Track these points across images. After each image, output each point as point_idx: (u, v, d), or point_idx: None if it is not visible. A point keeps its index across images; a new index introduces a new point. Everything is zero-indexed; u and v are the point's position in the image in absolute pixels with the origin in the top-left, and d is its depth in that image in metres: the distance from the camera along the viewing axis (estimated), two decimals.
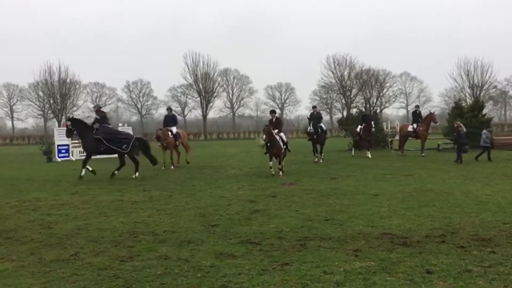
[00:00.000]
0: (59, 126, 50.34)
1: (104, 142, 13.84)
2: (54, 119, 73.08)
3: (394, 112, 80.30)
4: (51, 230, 6.71)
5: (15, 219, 7.63)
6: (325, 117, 77.76)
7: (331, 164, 16.98)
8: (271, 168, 13.64)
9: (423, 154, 20.14)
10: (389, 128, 27.07)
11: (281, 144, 13.70)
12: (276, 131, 13.82)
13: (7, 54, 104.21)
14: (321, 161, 18.07)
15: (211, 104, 75.46)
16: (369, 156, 19.65)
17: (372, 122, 21.92)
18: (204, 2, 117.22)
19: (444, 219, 6.92)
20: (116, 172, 13.98)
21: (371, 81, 68.24)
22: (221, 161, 19.63)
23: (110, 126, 15.05)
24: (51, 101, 70.02)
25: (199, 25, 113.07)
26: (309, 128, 19.07)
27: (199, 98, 75.73)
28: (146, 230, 6.57)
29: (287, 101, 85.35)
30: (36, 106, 77.29)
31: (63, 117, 67.21)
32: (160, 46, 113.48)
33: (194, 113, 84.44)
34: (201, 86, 73.87)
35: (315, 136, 18.34)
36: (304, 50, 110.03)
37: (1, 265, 5.01)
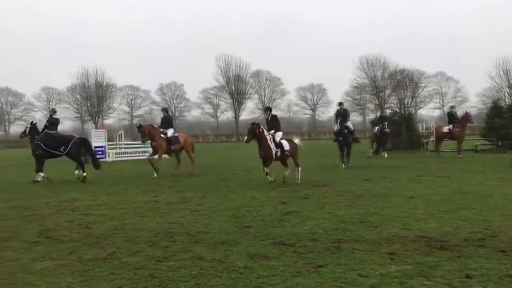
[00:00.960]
0: (95, 128, 51.64)
1: (42, 146, 14.32)
2: (91, 121, 75.01)
3: (429, 112, 78.73)
4: (89, 230, 6.88)
5: (54, 218, 7.86)
6: (358, 118, 77.05)
7: (363, 165, 16.76)
8: (266, 175, 11.99)
9: (460, 156, 19.65)
10: (423, 129, 26.56)
11: (273, 146, 11.87)
12: (272, 131, 12.24)
13: (46, 58, 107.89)
14: (348, 165, 16.41)
15: (243, 106, 75.94)
16: (385, 156, 19.77)
17: (386, 123, 22.45)
18: (236, 4, 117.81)
19: (483, 222, 6.72)
20: (77, 173, 14.40)
21: (405, 81, 67.13)
22: (253, 163, 19.65)
23: (54, 132, 14.85)
24: (88, 104, 71.96)
25: (232, 27, 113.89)
26: (334, 127, 17.48)
27: (231, 100, 76.31)
28: (180, 231, 6.65)
29: (319, 102, 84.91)
30: (73, 108, 79.63)
31: (100, 119, 68.95)
32: (193, 48, 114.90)
33: (226, 115, 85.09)
34: (233, 88, 74.45)
35: (340, 138, 16.74)
36: (336, 51, 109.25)
37: (42, 263, 5.16)
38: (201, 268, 4.84)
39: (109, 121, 75.24)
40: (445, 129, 21.27)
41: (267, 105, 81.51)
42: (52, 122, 15.01)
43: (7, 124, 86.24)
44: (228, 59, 74.02)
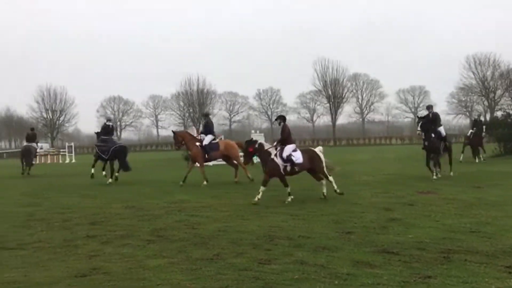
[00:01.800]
0: (198, 133, 53.94)
1: (97, 150, 16.52)
2: (193, 127, 78.63)
3: None
4: (195, 231, 7.23)
5: (164, 219, 8.37)
6: (464, 120, 72.23)
7: (472, 172, 15.68)
8: (289, 194, 10.16)
9: None
10: None
11: (279, 161, 10.20)
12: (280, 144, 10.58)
13: (153, 68, 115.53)
14: (439, 176, 13.81)
15: (340, 110, 74.78)
16: (477, 161, 18.32)
17: (484, 127, 21.07)
18: (335, 7, 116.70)
19: None
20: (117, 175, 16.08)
21: None
22: (352, 168, 19.32)
23: (107, 138, 16.59)
24: (191, 110, 75.53)
25: (330, 31, 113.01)
26: (417, 131, 14.96)
27: (328, 104, 75.52)
28: (281, 235, 6.74)
29: (421, 105, 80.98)
30: (177, 115, 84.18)
31: (201, 125, 72.07)
32: (290, 53, 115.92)
33: (323, 119, 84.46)
34: (330, 92, 73.66)
35: (426, 143, 14.33)
36: (438, 51, 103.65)
37: (155, 260, 5.53)
38: (303, 273, 4.87)
39: None
40: None
41: (365, 109, 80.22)
42: (104, 128, 16.92)
43: (119, 130, 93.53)
44: (325, 63, 73.49)
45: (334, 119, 74.88)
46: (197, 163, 15.00)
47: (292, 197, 10.13)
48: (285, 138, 10.59)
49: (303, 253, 5.65)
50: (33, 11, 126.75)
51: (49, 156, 39.24)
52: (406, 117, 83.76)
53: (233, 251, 5.86)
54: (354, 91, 79.68)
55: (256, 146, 10.59)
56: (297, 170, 10.48)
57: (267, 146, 10.73)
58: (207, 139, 15.03)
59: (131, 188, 13.70)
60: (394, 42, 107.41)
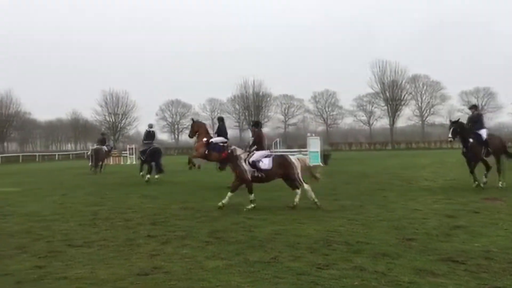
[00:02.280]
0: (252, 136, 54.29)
1: (139, 153, 18.92)
2: (249, 130, 79.39)
3: None
4: (252, 233, 7.26)
5: (222, 221, 8.47)
6: None
7: None
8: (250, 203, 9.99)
9: None
10: None
11: (246, 167, 10.07)
12: (252, 148, 10.51)
13: (212, 71, 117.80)
14: (480, 184, 12.35)
15: (398, 113, 72.76)
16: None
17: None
18: (394, 7, 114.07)
19: None
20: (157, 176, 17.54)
21: None
22: (411, 172, 18.74)
23: (148, 142, 18.35)
24: (246, 113, 76.29)
25: (388, 31, 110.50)
26: (448, 137, 12.88)
27: (386, 107, 73.75)
28: (339, 240, 6.63)
29: (485, 107, 77.34)
30: (233, 118, 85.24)
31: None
32: (346, 55, 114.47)
33: (380, 122, 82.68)
34: (388, 94, 71.89)
35: (464, 150, 12.74)
36: (507, 51, 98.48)
37: (213, 262, 5.61)
38: (363, 279, 4.76)
39: (264, 130, 78.69)
40: None
41: (425, 112, 77.52)
42: (146, 133, 18.63)
43: (177, 133, 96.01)
44: (383, 65, 71.91)
45: (392, 122, 72.93)
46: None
47: (253, 205, 9.90)
48: (256, 143, 10.56)
49: (362, 259, 5.53)
50: (97, 19, 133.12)
51: (111, 158, 40.89)
52: None
53: (290, 255, 5.84)
54: (414, 93, 77.40)
55: (229, 151, 10.46)
56: (264, 176, 10.19)
57: (239, 151, 10.48)
58: (218, 139, 15.23)
59: (189, 190, 14.00)
60: (458, 42, 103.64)
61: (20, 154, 62.00)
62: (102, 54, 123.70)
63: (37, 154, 65.24)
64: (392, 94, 71.69)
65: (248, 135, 76.19)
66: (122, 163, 40.43)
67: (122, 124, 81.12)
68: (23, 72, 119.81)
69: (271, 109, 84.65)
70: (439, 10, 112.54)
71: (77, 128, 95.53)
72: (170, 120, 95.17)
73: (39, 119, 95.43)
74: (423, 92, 78.35)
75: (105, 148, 25.69)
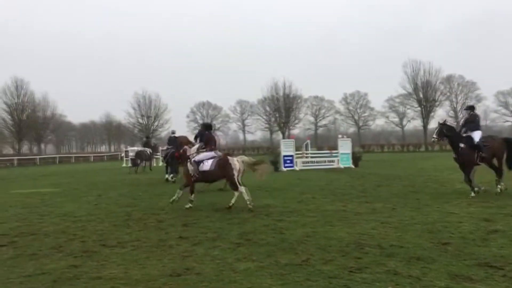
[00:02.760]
0: (283, 138, 54.24)
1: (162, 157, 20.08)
2: (279, 131, 79.34)
3: None
4: (282, 235, 7.24)
5: (251, 222, 8.48)
6: None
7: None
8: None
9: None
10: None
11: (190, 168, 10.46)
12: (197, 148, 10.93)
13: (241, 74, 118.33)
14: (471, 195, 11.05)
15: (432, 114, 71.11)
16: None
17: None
18: (428, 8, 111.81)
19: None
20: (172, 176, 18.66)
21: None
22: (446, 174, 18.28)
23: (171, 147, 19.04)
24: (277, 115, 76.20)
25: (421, 31, 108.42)
26: (432, 137, 12.07)
27: (419, 108, 72.29)
28: (371, 243, 6.53)
29: None
30: (263, 120, 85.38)
31: (287, 129, 72.53)
32: (378, 56, 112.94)
33: (413, 123, 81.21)
34: (421, 95, 70.44)
35: (455, 155, 11.70)
36: None
37: (244, 263, 5.62)
38: (397, 284, 4.68)
39: (294, 131, 78.57)
40: None
41: (459, 113, 75.37)
42: (169, 139, 20.12)
43: None
44: (416, 65, 70.43)
45: (425, 123, 71.35)
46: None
47: (191, 205, 10.23)
48: (205, 144, 11.00)
49: (396, 263, 5.43)
50: (134, 25, 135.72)
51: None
52: (506, 121, 78.00)
53: (321, 258, 5.78)
54: (448, 93, 75.59)
55: (181, 151, 10.89)
56: (200, 178, 10.52)
57: (190, 151, 10.82)
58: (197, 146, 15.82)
59: (219, 191, 14.07)
60: (494, 41, 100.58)
61: (57, 156, 63.79)
62: (137, 56, 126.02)
63: (72, 155, 67.07)
64: (425, 94, 70.14)
65: (279, 137, 76.16)
66: (154, 164, 40.96)
67: (154, 127, 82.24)
68: (58, 75, 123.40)
69: (302, 111, 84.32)
70: (472, 6, 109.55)
71: (110, 130, 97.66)
72: (200, 122, 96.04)
73: (74, 121, 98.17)
74: (458, 92, 76.49)
75: (149, 150, 27.60)
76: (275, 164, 24.90)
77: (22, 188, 18.37)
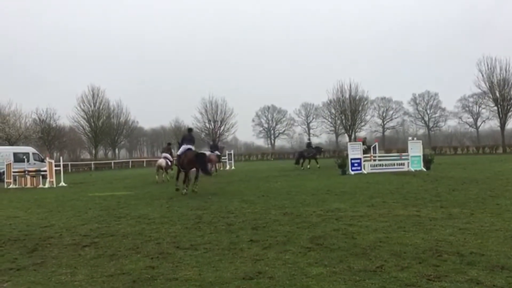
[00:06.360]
0: (349, 141, 53.26)
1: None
2: (345, 134, 78.10)
3: None
4: (354, 240, 7.09)
5: (322, 227, 8.38)
6: None
7: None
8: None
9: None
10: None
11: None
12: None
13: (308, 78, 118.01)
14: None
15: (510, 113, 66.80)
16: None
17: None
18: (501, 4, 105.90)
19: None
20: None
21: None
22: None
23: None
24: (342, 117, 75.06)
25: (497, 26, 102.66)
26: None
27: (495, 107, 68.24)
28: (450, 250, 6.23)
29: None
30: (328, 122, 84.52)
31: (353, 132, 71.22)
32: (450, 55, 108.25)
33: (488, 124, 76.90)
34: (497, 94, 66.45)
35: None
36: None
37: (316, 268, 5.56)
38: None
39: (361, 134, 76.99)
40: None
41: None
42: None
43: (273, 138, 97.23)
44: (492, 63, 66.51)
45: (502, 124, 67.14)
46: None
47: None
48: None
49: (478, 272, 5.13)
50: (202, 30, 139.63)
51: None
52: None
53: (396, 264, 5.59)
54: None
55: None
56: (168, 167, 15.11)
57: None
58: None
59: (287, 195, 14.06)
60: None
61: (130, 160, 66.84)
62: (203, 62, 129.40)
63: (144, 160, 69.92)
64: (502, 93, 66.03)
65: (345, 139, 74.90)
66: (221, 168, 41.75)
67: (220, 131, 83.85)
68: (131, 83, 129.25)
69: (368, 112, 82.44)
70: None
71: (179, 135, 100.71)
72: (266, 125, 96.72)
73: (145, 127, 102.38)
74: None
75: (217, 152, 29.46)
76: (342, 167, 24.51)
77: (99, 191, 19.40)
